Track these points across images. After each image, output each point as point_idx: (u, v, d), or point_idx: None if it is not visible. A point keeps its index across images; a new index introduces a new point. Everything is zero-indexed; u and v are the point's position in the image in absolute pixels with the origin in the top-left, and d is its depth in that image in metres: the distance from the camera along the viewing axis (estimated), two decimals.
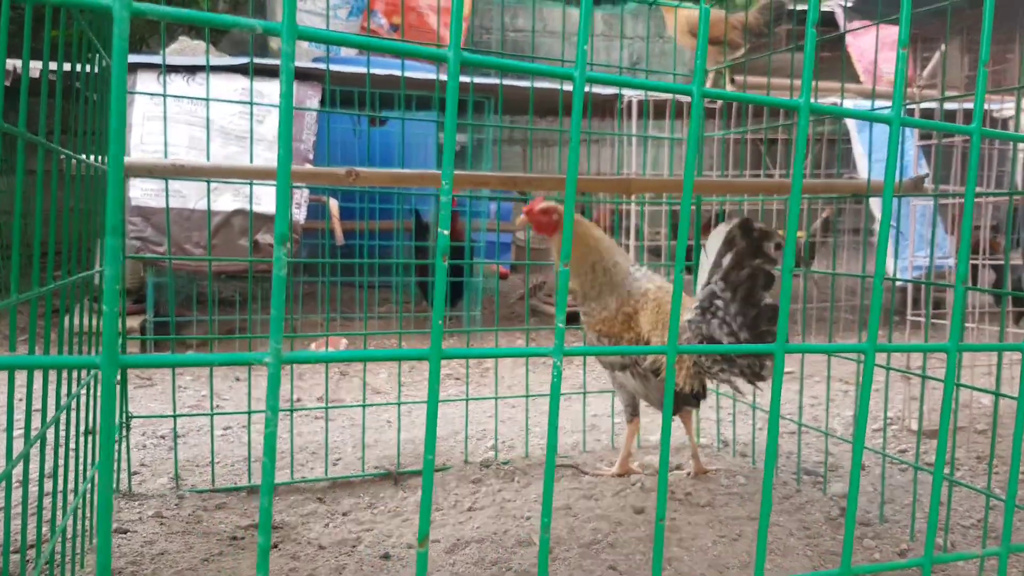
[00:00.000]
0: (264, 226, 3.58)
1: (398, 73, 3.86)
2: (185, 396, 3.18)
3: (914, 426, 2.99)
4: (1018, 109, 1.87)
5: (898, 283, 4.77)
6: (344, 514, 2.12)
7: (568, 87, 3.88)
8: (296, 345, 4.14)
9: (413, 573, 1.73)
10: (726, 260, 2.01)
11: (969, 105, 4.42)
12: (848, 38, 5.50)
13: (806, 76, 0.74)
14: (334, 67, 3.91)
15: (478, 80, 4.09)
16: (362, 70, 3.98)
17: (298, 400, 3.23)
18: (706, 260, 2.10)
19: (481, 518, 2.06)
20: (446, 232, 0.60)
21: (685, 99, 4.28)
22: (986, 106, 4.78)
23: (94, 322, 1.27)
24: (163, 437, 2.64)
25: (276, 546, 1.88)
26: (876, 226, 4.30)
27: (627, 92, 3.92)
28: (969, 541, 2.02)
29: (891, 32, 5.64)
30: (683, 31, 4.92)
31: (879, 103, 2.88)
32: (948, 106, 4.45)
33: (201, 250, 3.47)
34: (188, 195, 3.44)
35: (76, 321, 1.43)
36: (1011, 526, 0.86)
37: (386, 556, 1.82)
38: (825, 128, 4.90)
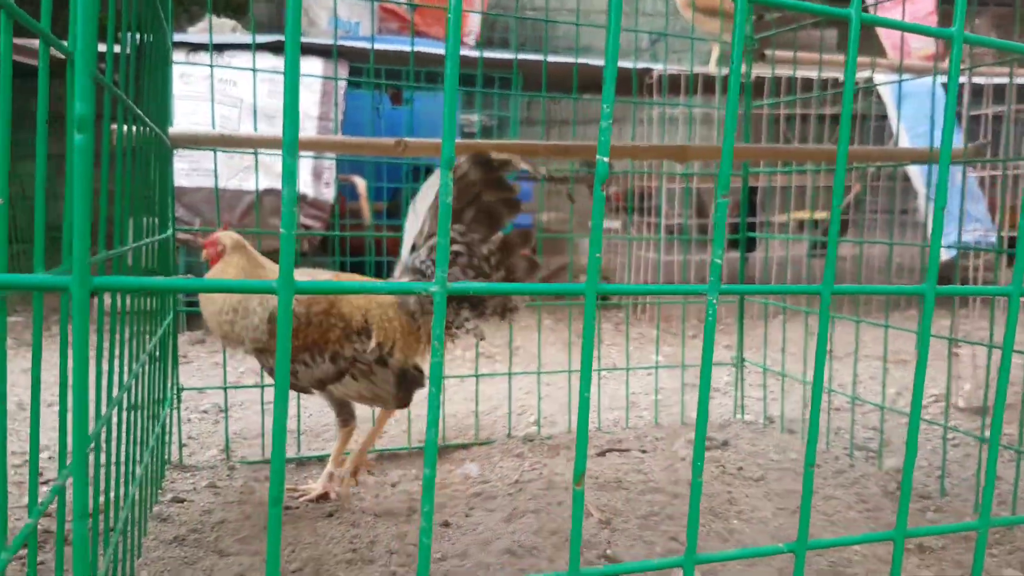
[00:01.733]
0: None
1: (419, 50, 3.84)
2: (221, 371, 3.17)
3: (960, 403, 2.96)
4: None
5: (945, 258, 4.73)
6: (393, 485, 2.11)
7: (583, 59, 3.81)
8: None
9: (473, 539, 1.72)
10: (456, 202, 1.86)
11: (998, 79, 4.36)
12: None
13: (959, 8, 0.71)
14: (357, 44, 3.88)
15: (501, 55, 4.05)
16: (382, 47, 3.96)
17: None
18: (415, 218, 1.93)
19: (531, 490, 2.04)
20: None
21: (702, 72, 4.22)
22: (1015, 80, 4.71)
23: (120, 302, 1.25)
24: (205, 412, 2.64)
25: (332, 515, 1.87)
26: (919, 201, 4.25)
27: (658, 67, 3.88)
28: None
29: (918, 8, 5.57)
30: (684, 3, 4.83)
31: (908, 77, 2.85)
32: (976, 80, 4.38)
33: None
34: (220, 174, 3.42)
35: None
36: None
37: (446, 524, 1.81)
38: (858, 104, 4.83)
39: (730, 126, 0.67)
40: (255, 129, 2.02)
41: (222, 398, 2.76)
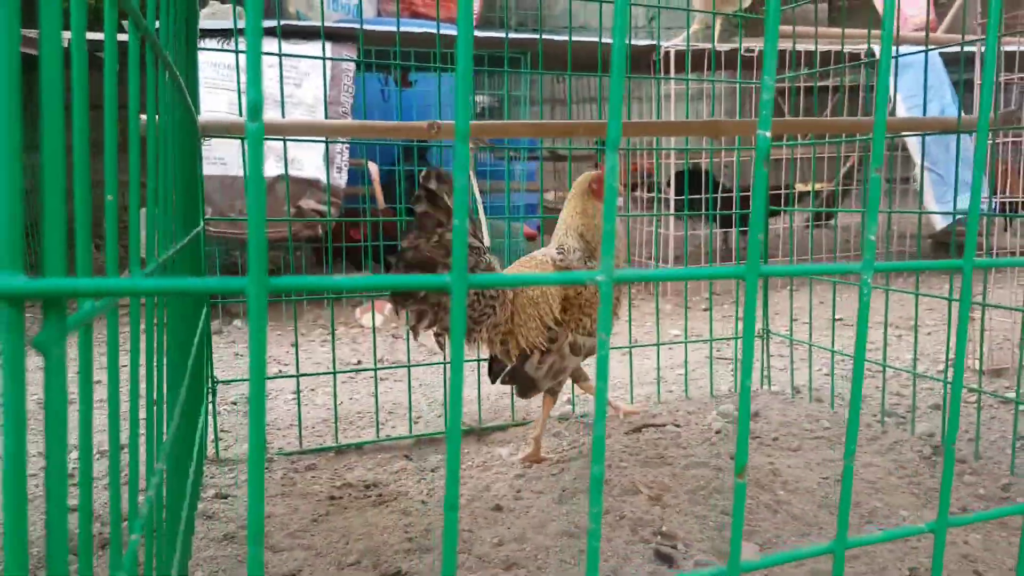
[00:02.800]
0: (306, 191, 3.52)
1: (420, 30, 3.80)
2: (243, 363, 3.15)
3: (976, 366, 2.99)
4: None
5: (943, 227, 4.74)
6: (433, 470, 2.11)
7: (607, 40, 3.80)
8: (340, 310, 4.12)
9: (528, 522, 1.72)
10: None
11: (1008, 47, 4.36)
12: None
13: None
14: (364, 27, 3.83)
15: (513, 36, 4.01)
16: (387, 29, 3.91)
17: (358, 363, 3.21)
18: None
19: (575, 469, 2.05)
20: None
21: (723, 48, 4.20)
22: (1005, 48, 4.70)
23: None
24: (234, 403, 2.62)
25: (383, 502, 1.86)
26: (916, 171, 4.26)
27: (664, 43, 3.84)
28: None
29: None
30: None
31: (904, 48, 2.84)
32: (968, 49, 4.38)
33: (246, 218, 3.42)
34: (230, 161, 3.39)
35: None
36: None
37: (498, 508, 1.81)
38: (846, 78, 4.83)
39: (767, 100, 0.66)
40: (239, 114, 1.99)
41: (247, 389, 2.76)
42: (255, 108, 0.45)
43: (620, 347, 2.78)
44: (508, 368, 2.04)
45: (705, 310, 3.96)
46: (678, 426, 2.37)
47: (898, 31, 2.55)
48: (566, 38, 2.42)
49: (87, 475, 0.56)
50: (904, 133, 2.34)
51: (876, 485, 1.93)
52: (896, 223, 5.57)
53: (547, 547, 1.62)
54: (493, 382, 2.15)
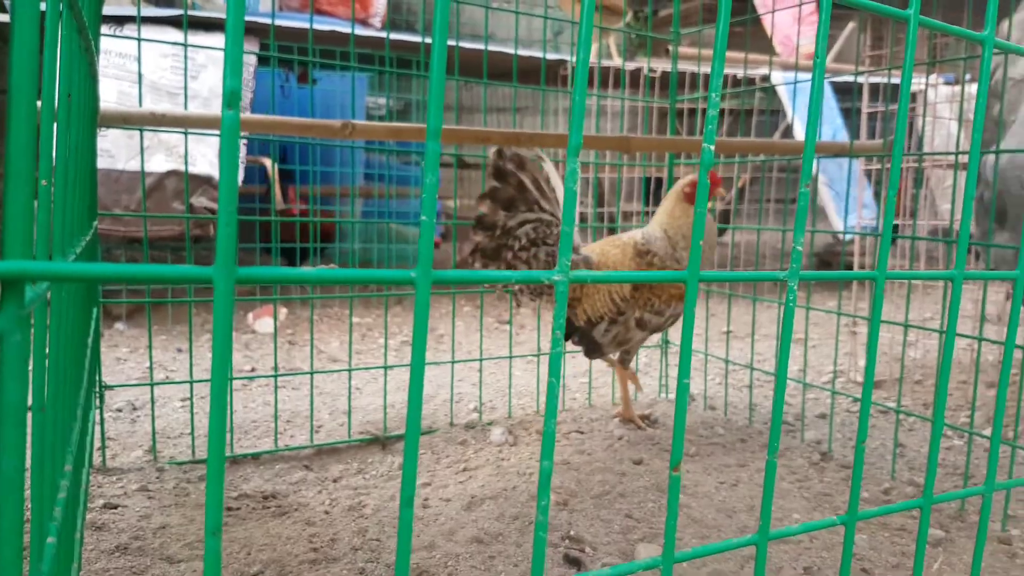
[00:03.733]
0: (200, 188, 3.39)
1: (326, 28, 3.74)
2: (127, 368, 3.00)
3: (858, 378, 3.17)
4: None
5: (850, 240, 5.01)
6: (335, 480, 2.06)
7: (523, 52, 3.83)
8: (236, 312, 3.97)
9: (439, 531, 1.71)
10: None
11: (873, 79, 4.66)
12: (762, 11, 5.68)
13: (991, 10, 0.75)
14: (261, 20, 3.73)
15: (410, 38, 3.99)
16: (291, 24, 3.83)
17: (252, 370, 3.10)
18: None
19: (482, 477, 2.05)
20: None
21: (614, 65, 4.31)
22: (892, 80, 5.03)
23: None
24: (120, 410, 2.49)
25: (284, 513, 1.81)
26: (821, 188, 4.49)
27: (574, 59, 3.91)
28: (938, 479, 2.15)
29: (807, 7, 5.86)
30: None
31: (802, 76, 3.03)
32: (872, 80, 4.66)
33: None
34: (117, 155, 3.22)
35: None
36: (996, 465, 0.92)
37: None
38: (755, 99, 5.06)
39: (812, 123, 0.69)
40: (140, 104, 1.90)
41: (134, 395, 2.62)
42: (233, 95, 0.43)
43: (526, 355, 2.80)
44: (579, 330, 2.26)
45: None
46: (582, 432, 2.41)
47: (796, 60, 2.69)
48: (480, 46, 2.43)
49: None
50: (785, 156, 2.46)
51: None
52: (787, 241, 5.85)
53: (457, 554, 1.61)
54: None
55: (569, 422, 2.49)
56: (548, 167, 2.18)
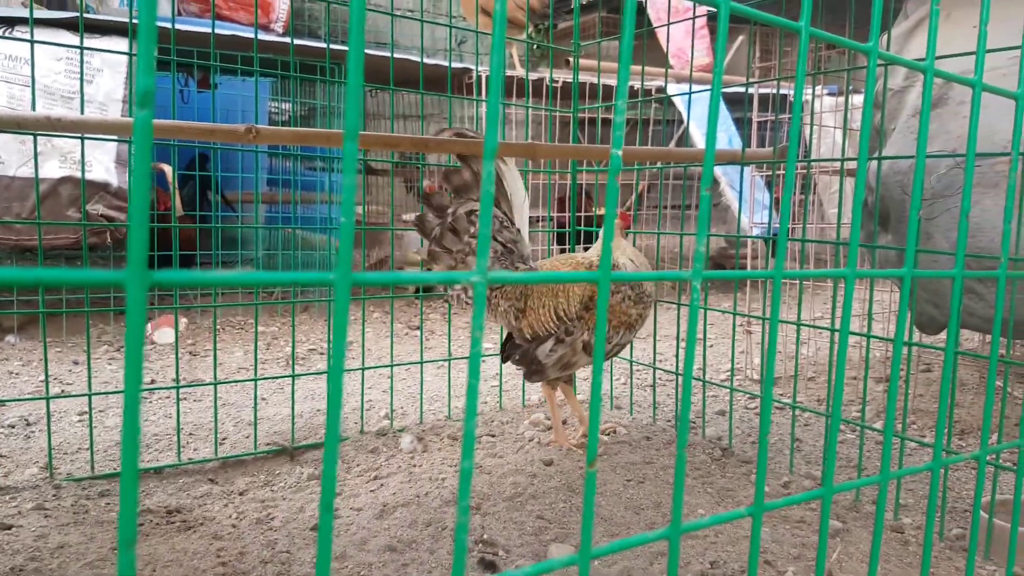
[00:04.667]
0: (96, 194, 3.25)
1: (227, 32, 3.66)
2: (20, 382, 2.85)
3: (754, 375, 3.30)
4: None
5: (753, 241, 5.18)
6: (241, 493, 2.02)
7: (429, 60, 3.83)
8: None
9: (350, 541, 1.69)
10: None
11: (763, 90, 4.88)
12: (657, 25, 5.85)
13: (875, 23, 0.81)
14: (159, 24, 3.62)
15: (312, 44, 3.95)
16: (191, 28, 3.72)
17: (152, 382, 3.00)
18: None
19: (394, 484, 2.04)
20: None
21: (533, 77, 4.37)
22: (787, 91, 5.25)
23: None
24: (12, 426, 2.37)
25: (190, 528, 1.76)
26: (721, 187, 4.64)
27: (481, 68, 3.95)
28: (841, 478, 2.27)
29: (698, 21, 6.08)
30: (469, 9, 4.92)
31: (696, 87, 3.16)
32: (763, 90, 4.86)
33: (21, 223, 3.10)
34: (8, 161, 3.06)
35: None
36: (889, 456, 0.99)
37: (316, 528, 1.76)
38: (652, 109, 5.20)
39: (712, 131, 0.72)
40: (33, 109, 1.82)
41: (28, 410, 2.50)
42: (146, 95, 0.43)
43: (436, 360, 2.81)
44: (521, 349, 2.19)
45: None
46: (493, 436, 2.43)
47: (691, 71, 2.78)
48: (385, 53, 2.43)
49: None
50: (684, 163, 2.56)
51: (673, 486, 2.08)
52: (687, 245, 6.05)
53: (370, 563, 1.60)
54: (503, 361, 2.30)
55: (481, 425, 2.51)
56: (505, 167, 2.17)
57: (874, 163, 2.53)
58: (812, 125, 4.15)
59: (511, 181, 2.17)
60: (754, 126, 3.26)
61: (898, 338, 0.98)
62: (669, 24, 2.81)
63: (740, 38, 6.40)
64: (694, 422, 2.62)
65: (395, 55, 2.86)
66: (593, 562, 1.66)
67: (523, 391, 2.81)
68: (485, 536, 1.72)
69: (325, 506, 0.53)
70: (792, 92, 5.09)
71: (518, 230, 2.20)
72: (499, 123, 0.58)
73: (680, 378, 2.57)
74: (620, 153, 0.64)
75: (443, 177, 2.16)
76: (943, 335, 3.32)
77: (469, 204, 2.14)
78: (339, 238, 0.51)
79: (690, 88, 2.42)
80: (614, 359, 2.93)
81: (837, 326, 2.26)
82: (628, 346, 2.23)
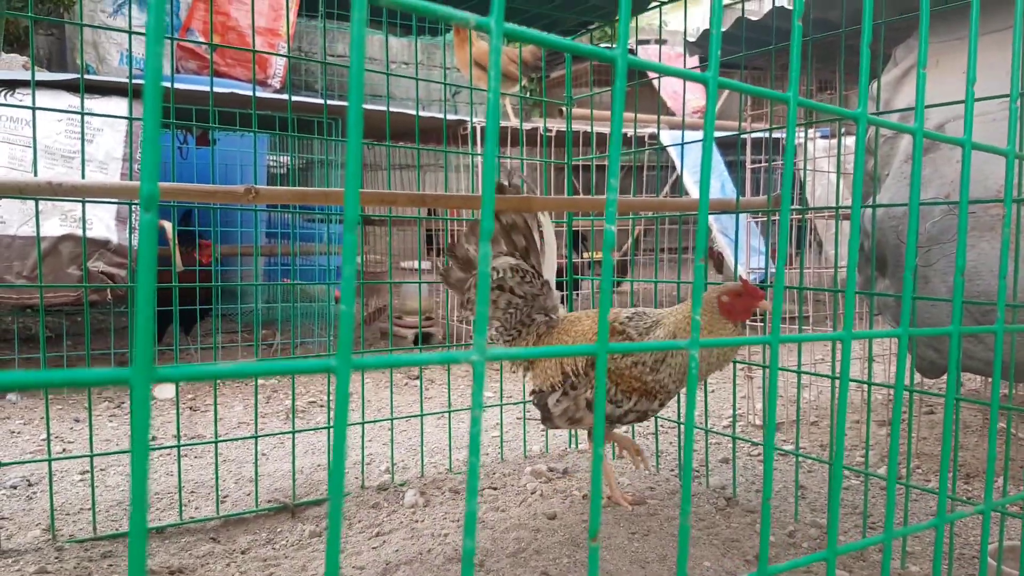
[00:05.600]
0: (96, 252, 3.28)
1: (224, 91, 3.72)
2: (21, 442, 2.84)
3: (756, 421, 3.29)
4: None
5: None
6: (243, 552, 2.00)
7: (424, 113, 3.90)
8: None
9: None
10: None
11: (756, 133, 4.95)
12: (652, 74, 5.95)
13: (863, 88, 0.83)
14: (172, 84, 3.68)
15: (309, 99, 4.01)
16: (188, 87, 3.78)
17: (153, 439, 2.98)
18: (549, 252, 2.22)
19: (396, 541, 2.02)
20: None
21: (512, 125, 4.43)
22: (781, 135, 5.33)
23: None
24: (14, 488, 2.35)
25: None
26: (714, 235, 4.67)
27: (476, 119, 4.01)
28: (841, 520, 2.25)
29: (691, 61, 6.19)
30: (463, 62, 4.96)
31: (688, 133, 3.22)
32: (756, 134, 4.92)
33: (24, 281, 3.12)
34: (9, 220, 3.09)
35: None
36: (892, 512, 0.99)
37: None
38: (646, 156, 5.26)
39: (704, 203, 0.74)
40: (35, 172, 1.85)
41: (30, 471, 2.49)
42: (151, 199, 0.45)
43: (437, 412, 2.80)
44: (537, 393, 2.22)
45: (514, 372, 4.08)
46: (495, 488, 2.41)
47: (683, 117, 2.83)
48: (381, 107, 2.47)
49: None
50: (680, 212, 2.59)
51: (678, 538, 2.06)
52: (683, 290, 6.08)
53: None
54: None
55: (483, 478, 2.49)
56: (543, 219, 2.15)
57: (869, 209, 2.56)
58: (806, 169, 4.21)
59: (547, 233, 2.17)
60: (748, 172, 3.30)
61: (898, 393, 0.98)
62: (659, 78, 2.86)
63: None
64: (698, 471, 2.60)
65: (391, 108, 2.91)
66: None
67: (524, 441, 2.80)
68: None
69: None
70: (784, 136, 5.15)
71: (544, 282, 2.20)
72: (493, 201, 0.60)
73: (682, 427, 2.56)
74: (614, 228, 0.66)
75: (469, 228, 2.17)
76: (945, 377, 3.32)
77: (499, 259, 2.15)
78: (339, 323, 0.52)
79: (683, 138, 2.46)
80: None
81: (837, 373, 2.26)
82: (655, 413, 2.15)
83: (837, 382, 2.37)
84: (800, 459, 2.32)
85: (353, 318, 0.53)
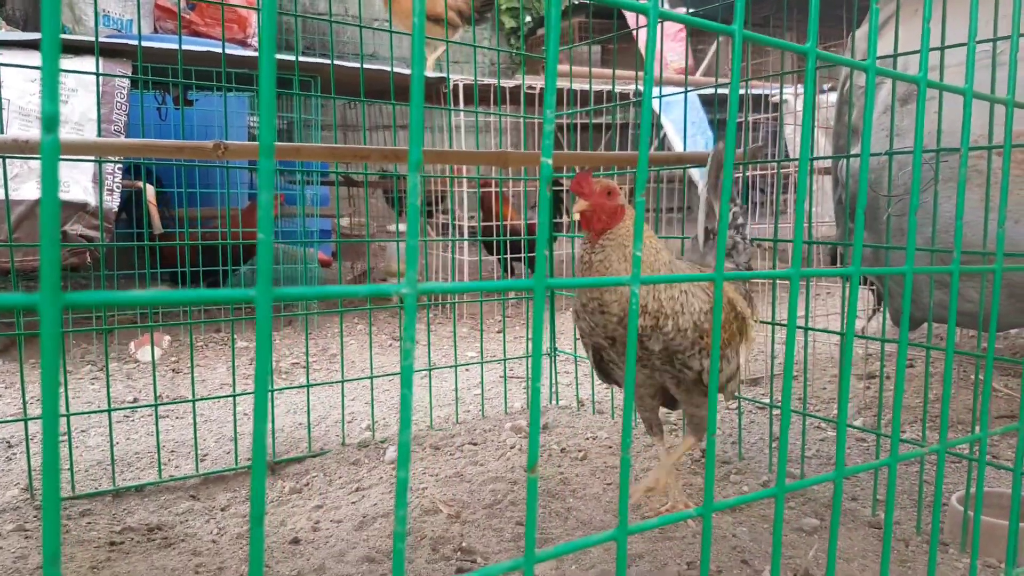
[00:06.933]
0: (74, 215, 3.25)
1: (202, 49, 3.67)
2: (2, 404, 2.84)
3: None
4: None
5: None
6: (223, 509, 2.02)
7: (399, 70, 3.86)
8: (118, 341, 3.82)
9: (329, 553, 1.70)
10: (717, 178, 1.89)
11: (750, 90, 4.92)
12: (632, 27, 5.90)
13: (872, 38, 0.82)
14: (132, 42, 3.63)
15: (304, 59, 3.96)
16: (165, 46, 3.73)
17: (135, 400, 2.99)
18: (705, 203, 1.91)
19: (375, 496, 2.04)
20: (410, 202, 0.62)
21: (507, 84, 4.38)
22: (763, 91, 5.30)
23: None
24: None
25: (170, 544, 1.76)
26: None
27: (454, 76, 3.97)
28: (812, 468, 2.28)
29: (674, 25, 6.12)
30: (402, 13, 4.76)
31: (667, 89, 3.20)
32: (723, 91, 4.89)
33: None
34: None
35: None
36: (843, 451, 1.00)
37: (296, 540, 1.76)
38: (631, 114, 5.22)
39: (644, 140, 0.74)
40: (2, 131, 1.84)
41: (9, 432, 2.49)
42: (51, 120, 0.44)
43: (419, 370, 2.81)
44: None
45: (498, 332, 4.09)
46: (475, 444, 2.43)
47: (660, 74, 2.81)
48: (357, 64, 2.44)
49: None
50: (684, 166, 2.58)
51: (652, 489, 2.09)
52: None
53: (348, 574, 1.60)
54: None
55: (463, 434, 2.51)
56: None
57: (847, 161, 2.55)
58: (782, 124, 4.21)
59: None
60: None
61: (849, 335, 0.99)
62: (638, 28, 2.83)
63: (720, 39, 6.44)
64: (675, 424, 2.63)
65: (369, 66, 2.87)
66: (571, 567, 1.66)
67: (505, 399, 2.82)
68: (464, 544, 1.73)
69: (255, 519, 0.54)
70: (769, 92, 5.12)
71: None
72: (421, 133, 0.59)
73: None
74: (550, 162, 0.65)
75: None
76: (922, 330, 3.35)
77: None
78: (258, 254, 0.52)
79: (660, 92, 2.45)
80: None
81: (811, 324, 2.28)
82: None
83: (812, 334, 2.38)
84: (775, 412, 2.34)
85: (272, 247, 0.52)
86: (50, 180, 0.44)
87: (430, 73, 4.19)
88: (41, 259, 0.45)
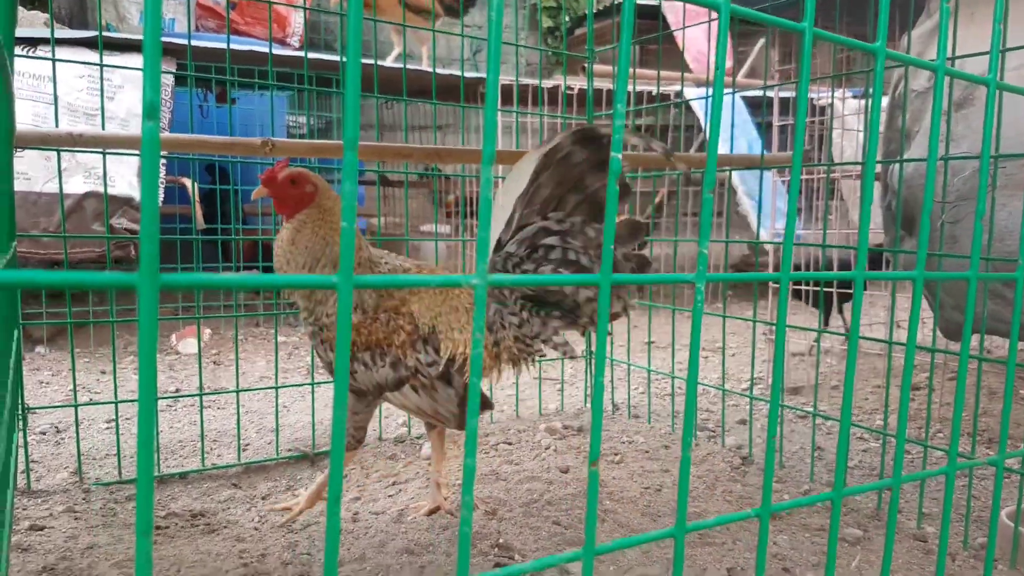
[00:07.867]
0: (120, 209, 3.31)
1: (244, 48, 3.72)
2: (50, 392, 2.91)
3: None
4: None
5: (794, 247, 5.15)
6: (264, 497, 2.04)
7: (443, 70, 3.87)
8: (159, 334, 3.88)
9: (369, 543, 1.71)
10: (551, 185, 1.64)
11: (783, 93, 4.87)
12: (674, 28, 5.87)
13: (882, 22, 0.81)
14: (179, 41, 3.69)
15: (327, 57, 3.99)
16: (207, 44, 3.78)
17: (177, 390, 3.04)
18: (499, 211, 1.71)
19: (412, 489, 2.06)
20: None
21: (547, 85, 4.37)
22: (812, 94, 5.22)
23: None
24: (43, 433, 2.42)
25: (213, 531, 1.78)
26: (741, 198, 4.62)
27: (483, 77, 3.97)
28: (855, 479, 2.25)
29: (716, 24, 6.09)
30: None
31: (711, 91, 3.16)
32: (783, 94, 4.85)
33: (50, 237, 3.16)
34: (35, 177, 3.13)
35: None
36: (902, 459, 0.98)
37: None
38: (671, 116, 5.20)
39: (715, 135, 0.74)
40: (56, 125, 1.88)
41: (58, 418, 2.55)
42: (152, 107, 0.45)
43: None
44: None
45: None
46: (510, 444, 2.43)
47: (708, 74, 2.79)
48: (394, 64, 2.45)
49: None
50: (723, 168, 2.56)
51: (693, 494, 2.08)
52: (716, 253, 6.03)
53: (387, 565, 1.62)
54: None
55: (497, 433, 2.52)
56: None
57: (895, 166, 2.52)
58: (830, 128, 4.13)
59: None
60: (775, 130, 3.25)
61: (911, 341, 0.97)
62: (684, 28, 2.81)
63: (761, 41, 6.38)
64: (714, 431, 2.61)
65: (410, 67, 2.89)
66: (609, 567, 1.66)
67: (539, 400, 2.82)
68: (501, 541, 1.73)
69: (333, 499, 0.55)
70: (816, 96, 5.07)
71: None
72: (497, 132, 0.60)
73: (678, 381, 2.56)
74: (620, 156, 0.65)
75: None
76: (975, 342, 3.29)
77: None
78: (141, 240, 0.52)
79: (707, 93, 2.43)
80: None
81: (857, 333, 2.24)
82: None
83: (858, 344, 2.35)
84: (818, 421, 2.32)
85: (157, 232, 0.52)
86: (151, 165, 0.45)
87: (472, 74, 4.21)
88: (141, 241, 0.47)
